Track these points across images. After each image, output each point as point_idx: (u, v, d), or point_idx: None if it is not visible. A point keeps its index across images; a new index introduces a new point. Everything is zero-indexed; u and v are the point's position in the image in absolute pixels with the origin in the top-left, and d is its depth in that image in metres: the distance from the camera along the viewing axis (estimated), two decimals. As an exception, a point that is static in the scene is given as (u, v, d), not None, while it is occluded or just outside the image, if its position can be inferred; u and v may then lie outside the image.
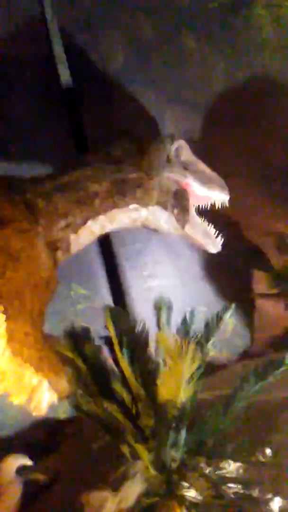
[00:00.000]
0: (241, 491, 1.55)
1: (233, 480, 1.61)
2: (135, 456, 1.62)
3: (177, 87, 2.75)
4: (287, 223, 2.99)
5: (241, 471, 1.76)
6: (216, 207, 2.25)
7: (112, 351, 1.74)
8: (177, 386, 1.48)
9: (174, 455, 1.54)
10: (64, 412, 2.45)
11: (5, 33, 2.50)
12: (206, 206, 2.24)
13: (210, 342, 1.70)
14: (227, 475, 1.66)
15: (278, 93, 2.58)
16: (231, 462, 1.75)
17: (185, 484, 1.49)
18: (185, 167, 2.19)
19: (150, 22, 2.63)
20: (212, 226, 2.21)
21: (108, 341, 1.75)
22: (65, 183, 2.02)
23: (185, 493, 1.47)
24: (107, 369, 1.73)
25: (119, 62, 2.71)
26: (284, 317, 3.07)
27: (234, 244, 3.08)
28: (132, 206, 2.08)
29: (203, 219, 2.20)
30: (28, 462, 1.91)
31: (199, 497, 1.43)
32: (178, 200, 2.12)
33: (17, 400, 1.77)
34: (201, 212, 2.24)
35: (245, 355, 3.15)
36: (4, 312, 1.72)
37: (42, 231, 1.92)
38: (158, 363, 1.62)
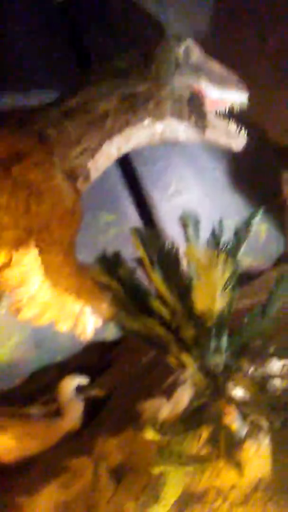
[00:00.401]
0: (286, 387, 1.61)
1: (278, 376, 1.67)
2: (182, 365, 1.70)
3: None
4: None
5: (285, 368, 1.83)
6: (235, 111, 2.11)
7: (145, 271, 1.77)
8: (211, 296, 1.50)
9: (218, 360, 1.61)
10: (111, 333, 2.57)
11: None
12: (225, 110, 2.10)
13: (241, 250, 1.68)
14: (271, 373, 1.73)
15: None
16: (274, 360, 1.82)
17: (231, 384, 1.56)
18: (197, 69, 2.03)
19: None
20: (233, 122, 2.07)
21: (140, 262, 1.77)
22: (73, 106, 1.94)
23: (232, 393, 1.55)
24: (143, 289, 1.77)
25: None
26: None
27: (260, 147, 2.94)
28: (146, 122, 1.98)
29: (221, 118, 2.07)
30: (85, 380, 2.05)
31: (246, 395, 1.51)
32: (194, 107, 1.99)
33: (63, 327, 1.86)
34: (220, 114, 2.10)
35: (281, 260, 3.13)
36: (37, 246, 1.76)
37: (58, 161, 1.88)
38: (190, 277, 1.63)
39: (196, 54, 2.06)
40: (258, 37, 2.60)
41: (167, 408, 1.76)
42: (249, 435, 1.45)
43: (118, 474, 1.60)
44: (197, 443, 1.48)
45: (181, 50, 1.99)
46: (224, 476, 1.38)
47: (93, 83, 1.97)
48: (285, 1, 2.45)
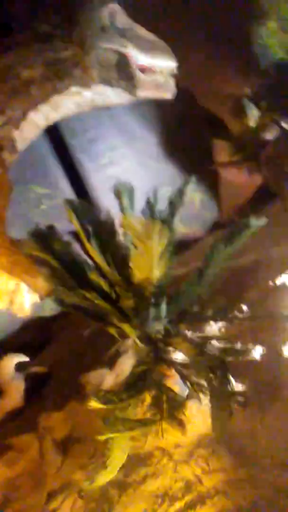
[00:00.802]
0: (224, 346, 1.68)
1: (216, 338, 1.75)
2: (123, 335, 1.72)
3: None
4: (240, 84, 2.84)
5: (223, 329, 1.91)
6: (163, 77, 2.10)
7: (81, 243, 1.73)
8: (149, 265, 1.51)
9: (158, 327, 1.64)
10: (50, 309, 2.53)
11: None
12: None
13: (176, 218, 1.70)
14: (210, 335, 1.80)
15: None
16: (212, 323, 1.89)
17: (171, 349, 1.60)
18: (123, 34, 1.98)
19: None
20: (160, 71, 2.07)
21: (75, 234, 1.74)
22: None
23: (173, 357, 1.59)
24: (80, 262, 1.74)
25: None
26: (249, 183, 3.08)
27: (190, 116, 2.96)
28: (74, 89, 1.92)
29: (149, 73, 2.05)
30: (25, 358, 2.01)
31: (185, 357, 1.56)
32: (122, 71, 1.96)
33: (-2, 307, 1.81)
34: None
35: (216, 227, 3.21)
36: None
37: (-19, 132, 1.78)
38: (127, 247, 1.63)
39: (122, 18, 2.00)
40: (184, 3, 2.56)
41: (110, 377, 1.78)
42: (190, 395, 1.51)
43: (64, 446, 1.61)
44: (140, 408, 1.52)
45: (105, 13, 1.93)
46: (168, 437, 1.44)
47: (14, 49, 1.86)
48: None
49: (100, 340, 2.08)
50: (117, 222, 1.73)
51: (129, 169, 2.81)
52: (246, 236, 1.67)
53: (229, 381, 1.41)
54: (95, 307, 1.73)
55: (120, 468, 1.41)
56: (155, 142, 2.92)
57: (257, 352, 1.79)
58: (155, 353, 1.58)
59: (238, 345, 1.81)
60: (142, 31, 2.08)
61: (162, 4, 2.52)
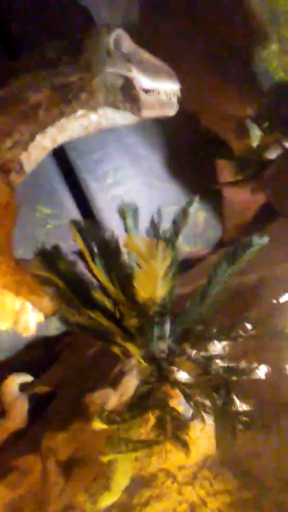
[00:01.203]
0: (228, 365, 1.68)
1: (219, 357, 1.74)
2: (127, 354, 1.72)
3: None
4: (243, 105, 2.89)
5: (226, 348, 1.91)
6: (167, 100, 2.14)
7: (86, 263, 1.76)
8: (153, 285, 1.52)
9: (162, 346, 1.64)
10: (55, 328, 2.54)
11: None
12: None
13: (180, 238, 1.72)
14: (213, 354, 1.80)
15: None
16: (216, 342, 1.89)
17: (175, 368, 1.60)
18: (128, 59, 2.03)
19: None
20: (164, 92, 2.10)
21: (80, 254, 1.76)
22: (2, 97, 1.87)
23: (176, 376, 1.59)
24: (85, 281, 1.76)
25: None
26: (252, 202, 3.11)
27: (194, 136, 3.00)
28: (80, 113, 1.96)
29: (152, 93, 2.08)
30: (29, 378, 2.01)
31: (189, 377, 1.56)
32: (127, 94, 2.00)
33: (4, 326, 1.82)
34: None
35: (219, 245, 3.23)
36: None
37: (-11, 154, 1.82)
38: (132, 266, 1.65)
39: (127, 43, 2.06)
40: (189, 25, 2.63)
41: (114, 397, 1.77)
42: (194, 415, 1.50)
43: (68, 468, 1.60)
44: (144, 428, 1.52)
45: (111, 39, 1.99)
46: (172, 458, 1.43)
47: (23, 73, 1.91)
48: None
49: (104, 360, 2.08)
50: (121, 242, 1.75)
51: (134, 189, 2.84)
52: (249, 255, 1.69)
53: (233, 401, 1.41)
54: (99, 326, 1.74)
55: (124, 490, 1.40)
56: (159, 162, 2.96)
57: (261, 371, 1.78)
58: (159, 373, 1.59)
59: (242, 364, 1.81)
60: (146, 55, 2.13)
61: (169, 25, 2.60)
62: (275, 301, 2.04)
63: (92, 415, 1.58)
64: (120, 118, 2.04)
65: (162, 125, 2.78)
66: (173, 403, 1.53)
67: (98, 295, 1.70)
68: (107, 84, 1.96)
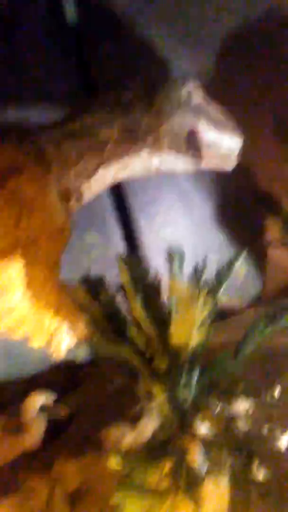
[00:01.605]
0: (250, 429, 1.64)
1: (243, 417, 1.71)
2: (150, 395, 1.72)
3: (190, 24, 2.62)
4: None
5: (250, 410, 1.87)
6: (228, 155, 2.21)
7: (126, 298, 1.79)
8: (188, 331, 1.54)
9: (187, 395, 1.63)
10: (83, 355, 2.56)
11: None
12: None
13: (221, 289, 1.73)
14: (237, 413, 1.76)
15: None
16: (242, 401, 1.85)
17: (197, 420, 1.58)
18: (197, 111, 2.13)
19: None
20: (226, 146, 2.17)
21: (122, 288, 1.80)
22: (75, 129, 2.00)
23: (197, 428, 1.57)
24: (122, 316, 1.79)
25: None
26: (296, 265, 3.09)
27: (246, 191, 3.05)
28: (143, 154, 2.06)
29: (214, 145, 2.15)
30: (52, 398, 2.03)
31: (209, 432, 1.53)
32: (190, 144, 2.08)
33: (37, 344, 1.86)
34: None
35: (257, 301, 3.20)
36: (22, 260, 1.78)
37: (54, 179, 1.93)
38: (170, 309, 1.67)
39: (198, 96, 2.17)
40: (261, 87, 2.72)
41: (130, 436, 1.76)
42: (209, 472, 1.46)
43: (74, 499, 1.58)
44: (158, 475, 1.49)
45: (184, 91, 2.10)
46: (181, 511, 1.39)
47: (98, 110, 2.04)
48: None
49: (124, 397, 2.07)
50: (163, 283, 1.78)
51: (181, 232, 2.90)
52: (288, 319, 1.68)
53: (251, 468, 1.37)
54: (128, 362, 1.75)
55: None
56: (209, 211, 3.02)
57: (283, 441, 1.73)
58: (181, 421, 1.57)
59: (265, 430, 1.76)
60: (215, 109, 2.22)
61: (232, 76, 2.70)
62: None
63: (106, 450, 1.57)
64: (180, 165, 2.13)
65: (218, 176, 2.85)
66: (190, 455, 1.50)
67: (132, 331, 1.72)
68: (173, 132, 2.06)
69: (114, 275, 1.84)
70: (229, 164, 2.23)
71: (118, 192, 2.79)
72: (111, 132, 2.01)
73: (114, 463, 1.34)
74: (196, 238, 2.89)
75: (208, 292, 1.59)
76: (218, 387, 1.71)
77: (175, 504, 1.36)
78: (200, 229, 2.96)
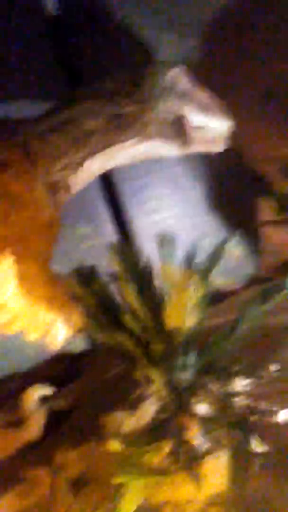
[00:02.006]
0: (248, 404, 1.66)
1: (240, 394, 1.73)
2: (148, 380, 1.74)
3: (174, 8, 2.60)
4: (288, 147, 2.92)
5: (248, 387, 1.89)
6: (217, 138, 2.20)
7: (119, 286, 1.81)
8: (182, 315, 1.55)
9: (184, 376, 1.65)
10: (79, 345, 2.58)
11: None
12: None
13: (213, 272, 1.75)
14: (234, 391, 1.78)
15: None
16: (237, 379, 1.87)
17: (195, 400, 1.60)
18: (182, 96, 2.12)
19: None
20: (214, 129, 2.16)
21: (114, 277, 1.81)
22: (60, 122, 1.99)
23: (195, 409, 1.59)
24: (115, 303, 1.80)
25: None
26: (290, 243, 3.10)
27: (238, 173, 3.05)
28: (130, 142, 2.05)
29: (201, 129, 2.14)
30: (50, 390, 2.05)
31: (208, 411, 1.55)
32: (177, 129, 2.08)
33: (32, 337, 1.88)
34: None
35: (253, 281, 3.22)
36: (12, 255, 1.78)
37: (41, 173, 1.92)
38: (163, 294, 1.68)
39: (184, 81, 2.15)
40: (250, 67, 2.71)
41: (130, 421, 1.78)
42: (209, 450, 1.49)
43: (77, 485, 1.61)
44: (158, 456, 1.52)
45: (168, 76, 2.08)
46: (181, 490, 1.42)
47: (82, 101, 2.03)
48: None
49: (123, 383, 2.09)
50: (155, 269, 1.79)
51: (173, 217, 2.90)
52: (283, 296, 1.69)
53: (250, 442, 1.39)
54: (124, 349, 1.77)
55: (130, 516, 1.39)
56: (201, 194, 3.02)
57: (281, 415, 1.75)
58: (179, 403, 1.59)
59: (263, 405, 1.78)
60: (201, 92, 2.20)
61: (219, 59, 2.68)
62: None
63: (107, 436, 1.60)
64: (168, 150, 2.12)
65: (209, 159, 2.84)
66: (189, 435, 1.52)
67: (127, 318, 1.74)
68: (159, 119, 2.05)
69: (107, 263, 1.85)
70: (219, 148, 2.22)
71: (107, 180, 2.79)
72: (96, 123, 2.00)
73: (114, 445, 1.37)
74: (188, 222, 2.90)
75: (200, 275, 1.60)
76: (216, 367, 1.74)
77: (175, 484, 1.39)
78: (192, 213, 2.96)
